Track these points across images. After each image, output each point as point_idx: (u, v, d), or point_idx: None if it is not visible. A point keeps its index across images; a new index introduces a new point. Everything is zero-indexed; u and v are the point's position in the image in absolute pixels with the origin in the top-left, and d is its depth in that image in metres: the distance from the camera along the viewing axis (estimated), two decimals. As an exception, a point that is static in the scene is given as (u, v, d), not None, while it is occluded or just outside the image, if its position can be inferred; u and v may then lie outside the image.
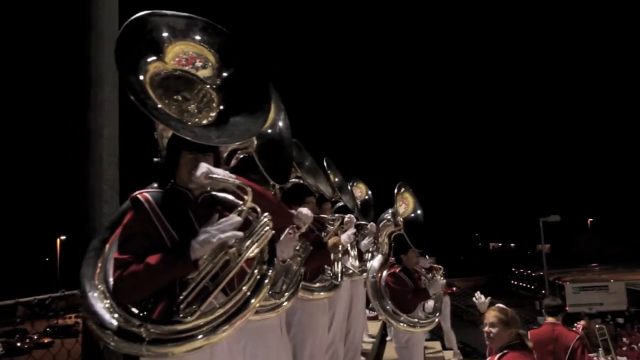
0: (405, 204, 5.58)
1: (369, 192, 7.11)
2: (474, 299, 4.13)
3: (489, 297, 4.20)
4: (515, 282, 55.94)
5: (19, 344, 27.40)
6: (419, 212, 5.54)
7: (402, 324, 5.04)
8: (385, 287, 5.15)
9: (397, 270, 5.19)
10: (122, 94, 3.25)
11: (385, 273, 5.23)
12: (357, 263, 5.22)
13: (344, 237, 4.40)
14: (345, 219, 4.36)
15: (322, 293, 3.91)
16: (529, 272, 52.47)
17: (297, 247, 3.15)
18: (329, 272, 4.10)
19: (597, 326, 8.49)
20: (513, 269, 60.13)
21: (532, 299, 40.50)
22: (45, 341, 26.88)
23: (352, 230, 4.50)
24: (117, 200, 3.14)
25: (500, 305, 3.59)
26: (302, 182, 3.89)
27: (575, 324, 7.72)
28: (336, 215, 4.41)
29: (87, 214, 3.05)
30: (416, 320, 5.05)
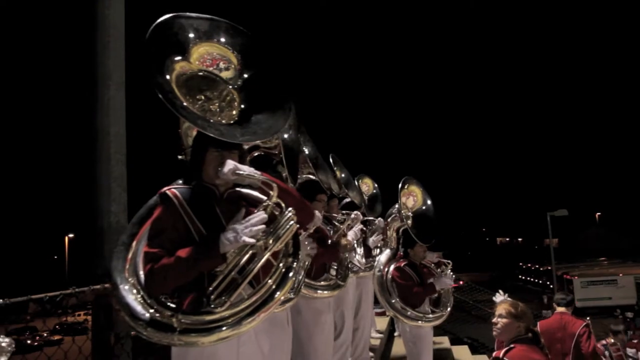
0: (414, 198, 5.55)
1: (376, 186, 7.11)
2: (494, 298, 4.12)
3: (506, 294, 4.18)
4: (523, 277, 55.67)
5: (29, 342, 27.64)
6: (428, 204, 5.49)
7: (408, 319, 5.02)
8: (391, 282, 5.13)
9: (403, 265, 5.16)
10: (129, 92, 3.27)
11: (391, 267, 5.20)
12: (363, 260, 5.21)
13: (350, 234, 4.41)
14: (352, 216, 4.36)
15: (325, 292, 3.90)
16: (537, 266, 52.18)
17: (309, 247, 3.20)
18: (335, 271, 4.08)
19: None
20: (521, 264, 59.87)
21: (540, 294, 40.37)
22: (56, 338, 27.09)
23: (359, 226, 4.51)
24: (125, 197, 3.16)
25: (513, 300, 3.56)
26: (313, 178, 3.90)
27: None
28: (344, 212, 4.41)
29: (95, 212, 3.07)
30: (422, 314, 5.02)
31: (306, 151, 3.80)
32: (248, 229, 2.07)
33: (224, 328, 2.02)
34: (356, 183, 7.11)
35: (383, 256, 5.47)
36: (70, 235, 45.34)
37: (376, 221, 6.16)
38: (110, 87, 3.17)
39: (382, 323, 7.97)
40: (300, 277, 3.27)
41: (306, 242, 3.13)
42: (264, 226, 2.11)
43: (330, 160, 5.64)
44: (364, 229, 6.05)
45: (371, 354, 6.05)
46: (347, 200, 5.95)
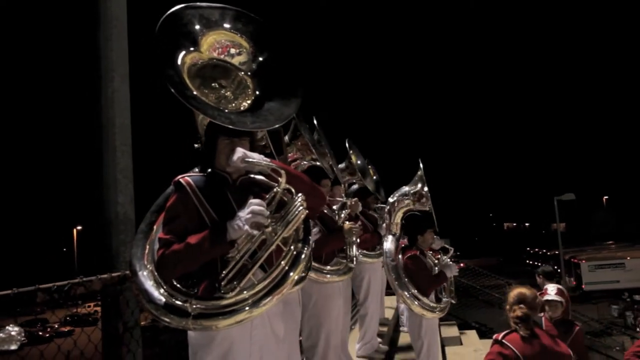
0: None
1: (376, 175, 7.11)
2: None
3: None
4: (531, 262, 55.66)
5: (40, 333, 27.94)
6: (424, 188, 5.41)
7: (421, 309, 4.96)
8: (404, 270, 5.07)
9: (415, 253, 5.09)
10: (133, 84, 3.28)
11: (401, 256, 5.15)
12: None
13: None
14: (352, 202, 4.35)
15: (335, 276, 3.94)
16: (544, 251, 52.19)
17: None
18: (344, 255, 4.11)
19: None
20: (528, 249, 59.88)
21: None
22: (66, 329, 27.38)
23: (359, 208, 4.54)
24: (131, 189, 3.18)
25: (525, 288, 3.49)
26: (318, 164, 3.91)
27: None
28: (349, 198, 4.41)
29: (102, 204, 3.09)
30: (432, 305, 4.96)
31: (307, 137, 3.80)
32: (250, 215, 2.10)
33: (240, 311, 2.08)
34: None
35: (389, 243, 5.34)
36: (79, 228, 45.68)
37: (386, 208, 6.16)
38: (115, 79, 3.18)
39: (389, 312, 8.00)
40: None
41: (315, 233, 3.16)
42: (266, 212, 2.14)
43: (346, 145, 5.64)
44: (375, 215, 6.06)
45: (379, 339, 6.08)
46: (356, 187, 5.96)
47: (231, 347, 2.19)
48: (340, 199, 4.33)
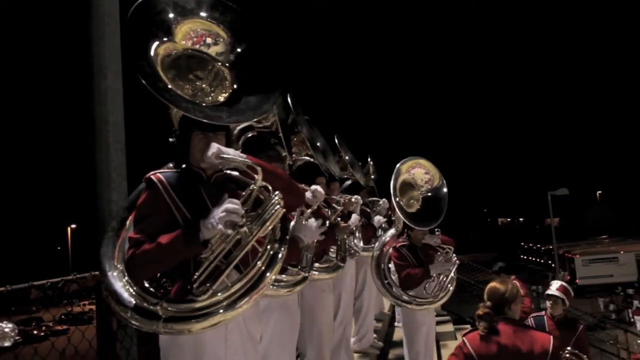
0: (428, 173, 5.30)
1: (374, 175, 7.13)
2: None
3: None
4: (525, 257, 55.88)
5: (35, 332, 27.87)
6: (444, 190, 5.22)
7: (401, 301, 4.95)
8: (388, 262, 5.07)
9: (399, 245, 5.06)
10: (126, 81, 3.27)
11: (390, 249, 5.13)
12: (361, 244, 5.17)
13: (353, 219, 4.42)
14: (352, 200, 4.35)
15: (324, 274, 3.92)
16: (539, 246, 52.36)
17: (320, 229, 3.16)
18: (334, 252, 4.10)
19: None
20: (522, 244, 60.06)
21: (544, 273, 40.53)
22: (61, 328, 27.32)
23: (359, 210, 4.50)
24: (125, 186, 3.17)
25: (499, 282, 3.42)
26: (313, 160, 3.90)
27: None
28: (343, 196, 4.40)
29: (96, 201, 3.08)
30: (415, 297, 4.89)
31: (304, 132, 3.80)
32: (224, 213, 2.00)
33: (214, 314, 1.99)
34: (370, 163, 7.16)
35: (387, 236, 5.38)
36: (73, 226, 45.52)
37: (381, 202, 6.17)
38: (108, 76, 3.16)
39: (387, 304, 8.01)
40: (310, 256, 3.32)
41: (314, 224, 3.12)
42: (241, 211, 2.04)
43: (336, 141, 5.65)
44: (367, 209, 6.07)
45: (375, 335, 6.10)
46: (348, 182, 5.98)
47: (205, 352, 2.11)
48: (334, 197, 4.28)
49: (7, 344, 1.88)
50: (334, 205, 4.09)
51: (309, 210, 3.30)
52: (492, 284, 3.38)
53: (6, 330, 1.86)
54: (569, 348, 4.80)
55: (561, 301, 5.24)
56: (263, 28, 2.42)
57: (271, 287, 2.99)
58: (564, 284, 5.42)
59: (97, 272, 2.73)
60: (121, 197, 3.11)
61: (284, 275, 3.11)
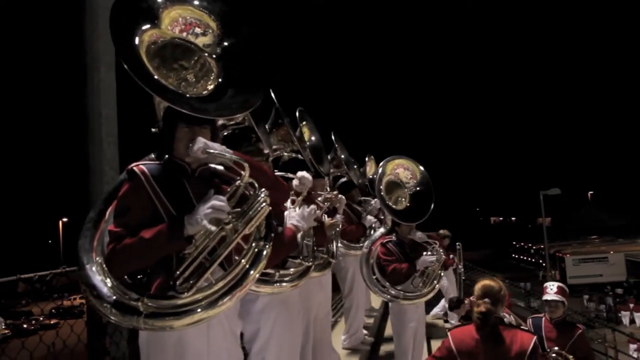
0: (411, 172, 5.34)
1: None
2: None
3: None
4: (517, 256, 56.22)
5: (25, 326, 27.73)
6: (426, 182, 5.28)
7: (389, 296, 4.99)
8: (376, 259, 5.10)
9: (386, 241, 5.12)
10: (119, 74, 3.25)
11: (378, 246, 5.17)
12: (339, 244, 5.13)
13: (338, 217, 4.39)
14: (335, 194, 4.32)
15: (314, 272, 3.88)
16: (530, 245, 52.69)
17: (313, 215, 3.16)
18: (324, 250, 4.08)
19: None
20: (514, 243, 60.39)
21: (534, 272, 40.81)
22: (51, 322, 27.20)
23: (341, 210, 4.48)
24: (117, 180, 3.15)
25: (491, 280, 3.43)
26: (299, 157, 3.88)
27: None
28: (329, 192, 4.36)
29: (89, 195, 3.06)
30: (403, 292, 4.93)
31: (289, 126, 3.74)
32: (209, 210, 1.96)
33: (198, 310, 1.94)
34: (372, 159, 7.14)
35: (377, 234, 5.46)
36: (65, 219, 45.34)
37: (372, 201, 6.17)
38: (101, 69, 3.13)
39: (377, 301, 8.03)
40: (310, 243, 3.33)
41: (307, 210, 3.09)
42: (227, 208, 2.00)
43: (332, 138, 5.65)
44: (359, 208, 6.08)
45: (365, 331, 6.11)
46: (344, 179, 5.98)
47: (186, 350, 2.07)
48: (322, 193, 4.24)
49: (-6, 335, 1.85)
50: (318, 201, 4.04)
51: (300, 198, 3.29)
52: (486, 282, 3.37)
53: (-7, 323, 1.83)
54: (556, 348, 4.76)
55: (561, 304, 5.06)
56: (254, 20, 2.36)
57: (276, 284, 2.99)
58: (560, 284, 5.23)
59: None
60: (113, 191, 3.10)
61: (291, 270, 3.11)
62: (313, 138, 4.34)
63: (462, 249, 10.24)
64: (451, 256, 8.29)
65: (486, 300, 3.21)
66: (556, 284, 5.22)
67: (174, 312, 1.94)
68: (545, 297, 5.11)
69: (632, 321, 25.25)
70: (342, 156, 5.70)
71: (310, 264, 3.26)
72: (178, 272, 1.98)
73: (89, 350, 2.82)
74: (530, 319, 5.39)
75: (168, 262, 2.03)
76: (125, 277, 2.10)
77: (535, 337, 3.15)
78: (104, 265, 2.11)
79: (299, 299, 3.39)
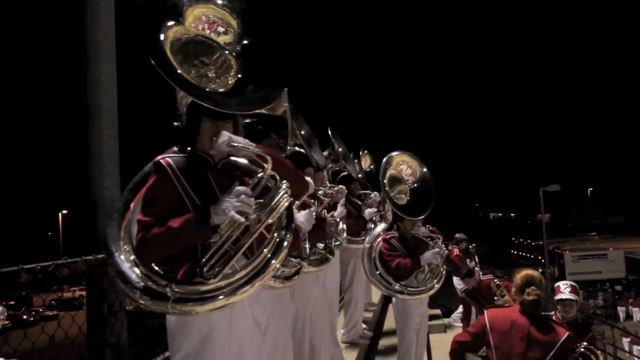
0: (410, 166, 5.37)
1: (372, 165, 7.13)
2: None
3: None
4: (516, 252, 56.31)
5: (25, 317, 27.86)
6: (427, 177, 5.30)
7: (393, 292, 4.98)
8: (379, 254, 5.10)
9: (389, 237, 5.11)
10: (120, 66, 3.25)
11: (381, 241, 5.15)
12: (344, 234, 5.14)
13: (337, 212, 4.38)
14: (336, 189, 4.31)
15: (311, 267, 3.86)
16: (529, 241, 52.77)
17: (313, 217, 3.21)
18: (323, 244, 4.07)
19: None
20: (513, 239, 60.47)
21: (533, 268, 40.83)
22: (51, 313, 27.31)
23: (342, 201, 4.48)
24: (117, 172, 3.15)
25: (532, 271, 3.61)
26: (302, 150, 3.88)
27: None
28: (335, 187, 4.36)
29: (89, 187, 3.07)
30: (407, 287, 4.91)
31: (291, 122, 3.74)
32: (236, 202, 2.06)
33: (220, 297, 2.04)
34: (366, 153, 7.15)
35: (378, 228, 5.43)
36: (64, 212, 45.37)
37: (372, 195, 6.18)
38: (101, 61, 3.12)
39: (376, 296, 8.06)
40: (308, 245, 3.34)
41: (307, 212, 3.14)
42: (252, 200, 2.10)
43: (329, 133, 5.64)
44: (358, 202, 6.08)
45: (364, 325, 6.13)
46: (344, 173, 5.98)
47: (210, 333, 2.16)
48: (319, 188, 4.23)
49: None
50: (319, 196, 4.04)
51: (297, 202, 3.30)
52: (528, 272, 3.55)
53: (-5, 312, 1.84)
54: (585, 343, 4.62)
55: (575, 303, 4.86)
56: (272, 17, 2.43)
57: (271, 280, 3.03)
58: (573, 283, 5.05)
59: (88, 257, 2.73)
60: (113, 184, 3.10)
61: (286, 268, 3.12)
62: (303, 132, 4.31)
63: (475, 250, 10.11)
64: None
65: (533, 288, 3.35)
66: (569, 282, 5.09)
67: (199, 297, 2.04)
68: (560, 296, 4.91)
69: (629, 317, 25.39)
70: (340, 150, 5.70)
71: (305, 265, 3.30)
72: (204, 260, 2.08)
73: (88, 341, 2.84)
74: None
75: (193, 250, 2.13)
76: (153, 264, 2.20)
77: (569, 332, 3.32)
78: (132, 253, 2.23)
79: (289, 296, 3.41)
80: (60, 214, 45.39)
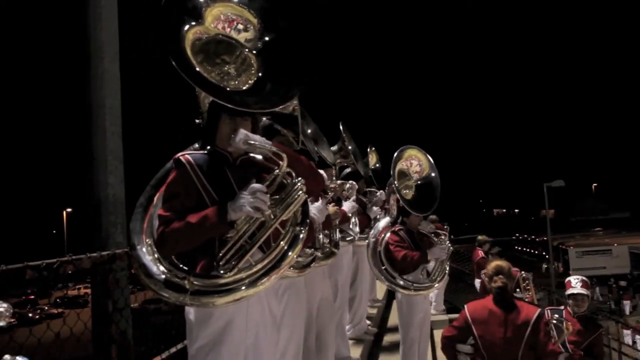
0: (420, 164, 5.37)
1: (378, 163, 7.11)
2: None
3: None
4: (520, 248, 56.17)
5: (30, 315, 28.00)
6: (433, 174, 5.30)
7: (398, 287, 4.97)
8: (385, 249, 5.08)
9: (398, 229, 5.08)
10: (123, 64, 3.25)
11: (387, 234, 5.14)
12: (357, 229, 5.17)
13: (347, 206, 4.40)
14: (347, 186, 4.34)
15: (318, 261, 3.91)
16: (533, 237, 52.63)
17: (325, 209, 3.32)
18: (327, 238, 4.09)
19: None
20: (517, 235, 60.33)
21: (537, 264, 40.79)
22: (57, 311, 27.45)
23: (353, 197, 4.50)
24: (121, 170, 3.16)
25: (500, 261, 3.86)
26: (305, 148, 3.88)
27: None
28: (337, 182, 4.38)
29: (92, 185, 3.08)
30: (411, 283, 4.91)
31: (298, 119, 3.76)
32: (252, 198, 2.12)
33: (240, 289, 2.12)
34: (373, 151, 7.14)
35: (382, 223, 5.41)
36: (69, 210, 45.49)
37: (378, 193, 6.17)
38: (104, 60, 3.13)
39: (380, 292, 8.07)
40: (320, 236, 3.49)
41: (321, 204, 3.25)
42: (268, 197, 2.16)
43: (340, 128, 5.64)
44: (364, 199, 6.08)
45: (368, 322, 6.14)
46: (348, 170, 5.98)
47: (228, 324, 2.22)
48: (328, 184, 4.25)
49: (1, 323, 1.87)
50: (328, 191, 4.06)
51: (311, 198, 3.33)
52: (497, 263, 3.80)
53: (1, 310, 1.85)
54: (556, 315, 4.73)
55: (587, 298, 4.89)
56: (295, 16, 2.45)
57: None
58: (584, 278, 5.04)
59: (93, 254, 2.75)
60: (117, 181, 3.11)
61: (300, 258, 3.19)
62: (310, 130, 4.32)
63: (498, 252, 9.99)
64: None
65: (501, 276, 3.64)
66: (580, 277, 5.07)
67: (217, 290, 2.12)
68: (571, 290, 4.93)
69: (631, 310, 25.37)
70: (350, 147, 5.69)
71: (318, 253, 3.40)
72: (221, 254, 2.15)
73: (94, 338, 2.86)
74: (548, 310, 5.21)
75: (211, 244, 2.21)
76: (173, 258, 2.29)
77: (539, 310, 3.63)
78: (154, 246, 2.33)
79: (303, 285, 3.45)
80: (64, 212, 45.53)
